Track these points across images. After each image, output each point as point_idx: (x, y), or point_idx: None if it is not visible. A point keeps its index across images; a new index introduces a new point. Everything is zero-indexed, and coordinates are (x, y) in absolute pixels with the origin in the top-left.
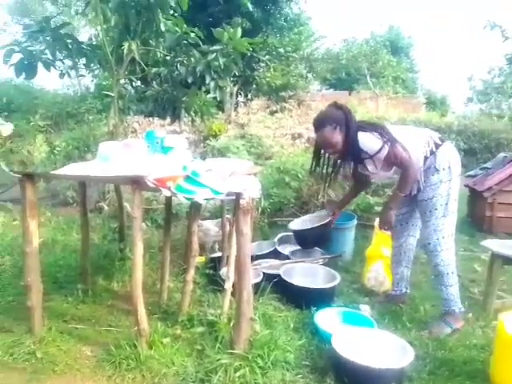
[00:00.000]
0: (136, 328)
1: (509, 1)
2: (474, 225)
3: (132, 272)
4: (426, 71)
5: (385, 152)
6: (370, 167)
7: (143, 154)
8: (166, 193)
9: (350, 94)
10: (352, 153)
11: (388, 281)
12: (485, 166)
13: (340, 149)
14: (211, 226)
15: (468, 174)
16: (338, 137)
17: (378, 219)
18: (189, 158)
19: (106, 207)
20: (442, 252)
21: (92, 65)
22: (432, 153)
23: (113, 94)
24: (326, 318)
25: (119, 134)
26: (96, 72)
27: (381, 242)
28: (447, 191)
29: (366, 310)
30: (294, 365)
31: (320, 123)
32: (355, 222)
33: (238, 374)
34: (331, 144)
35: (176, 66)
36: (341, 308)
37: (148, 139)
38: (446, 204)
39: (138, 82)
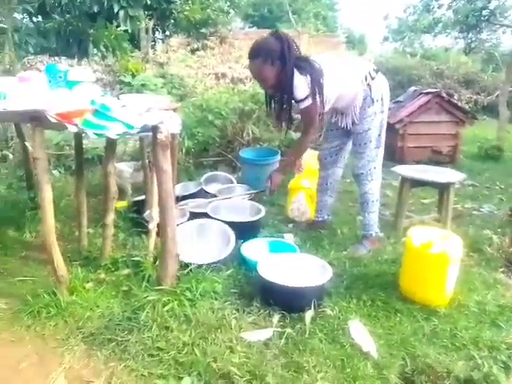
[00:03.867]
0: (54, 276)
1: None
2: (386, 155)
3: (42, 218)
4: (345, 10)
5: (306, 104)
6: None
7: (44, 89)
8: (72, 129)
9: None
10: (284, 91)
11: (309, 210)
12: (397, 99)
13: (272, 84)
14: (125, 168)
15: None
16: (268, 71)
17: None
18: (98, 93)
19: (10, 155)
20: (371, 181)
21: None
22: (368, 85)
23: (6, 26)
24: (253, 249)
25: (17, 73)
26: None
27: (302, 175)
28: (380, 122)
29: (289, 238)
30: (222, 294)
31: (253, 53)
32: (278, 157)
33: (166, 308)
34: (261, 77)
35: None
36: (266, 238)
37: (49, 73)
38: (379, 135)
39: (40, 18)
